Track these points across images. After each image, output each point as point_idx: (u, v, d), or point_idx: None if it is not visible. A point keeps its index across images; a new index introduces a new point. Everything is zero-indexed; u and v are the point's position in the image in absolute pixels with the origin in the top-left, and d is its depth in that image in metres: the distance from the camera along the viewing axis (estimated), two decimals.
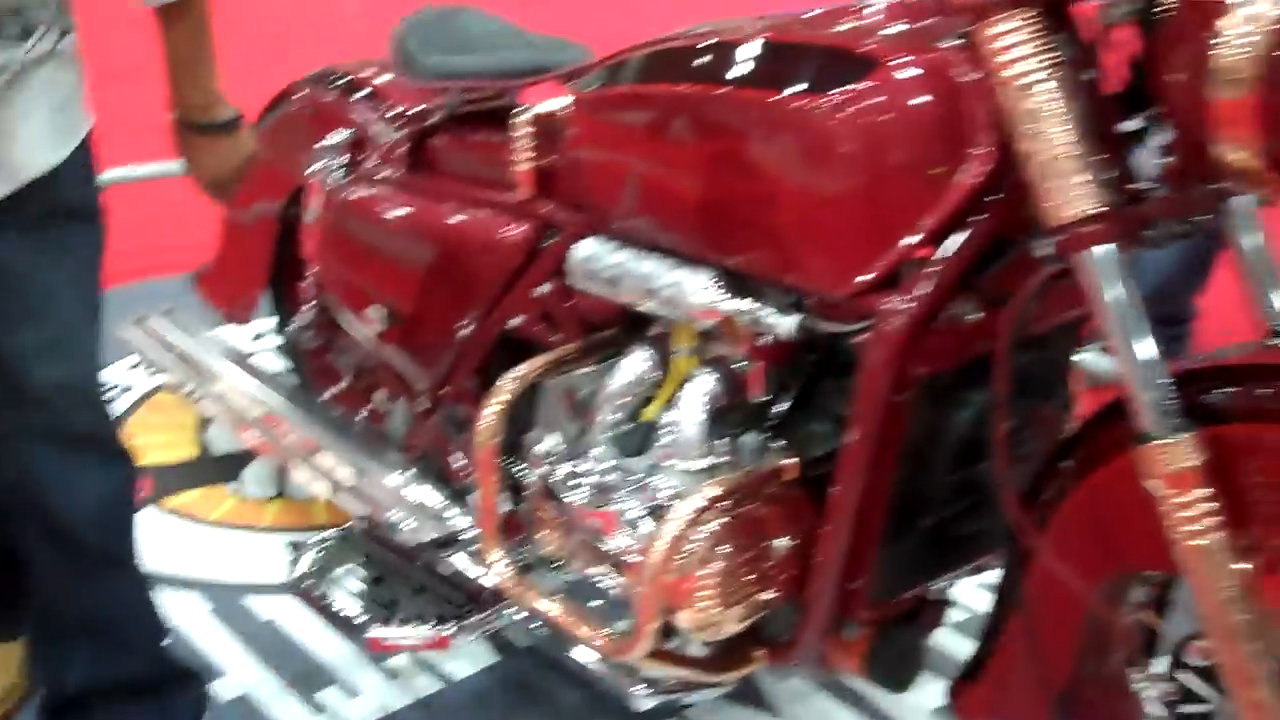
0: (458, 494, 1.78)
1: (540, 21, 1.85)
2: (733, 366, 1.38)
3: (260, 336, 2.72)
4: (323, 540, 1.63)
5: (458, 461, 1.75)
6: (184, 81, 1.47)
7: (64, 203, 1.39)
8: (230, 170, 1.55)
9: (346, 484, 1.86)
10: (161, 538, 2.12)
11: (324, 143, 1.83)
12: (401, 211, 1.71)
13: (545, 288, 1.57)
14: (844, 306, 1.28)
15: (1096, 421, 1.26)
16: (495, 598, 1.54)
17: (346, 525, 1.72)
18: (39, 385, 1.40)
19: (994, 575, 1.35)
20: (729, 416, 1.38)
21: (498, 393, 1.47)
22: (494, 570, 1.49)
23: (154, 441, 2.37)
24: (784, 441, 1.36)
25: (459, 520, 1.74)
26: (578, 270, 1.47)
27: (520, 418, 1.60)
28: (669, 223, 1.39)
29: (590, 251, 1.46)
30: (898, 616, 1.43)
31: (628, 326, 1.52)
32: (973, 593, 1.82)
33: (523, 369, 1.48)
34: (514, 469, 1.54)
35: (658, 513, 1.37)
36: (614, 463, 1.44)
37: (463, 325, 1.67)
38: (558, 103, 1.58)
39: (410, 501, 1.76)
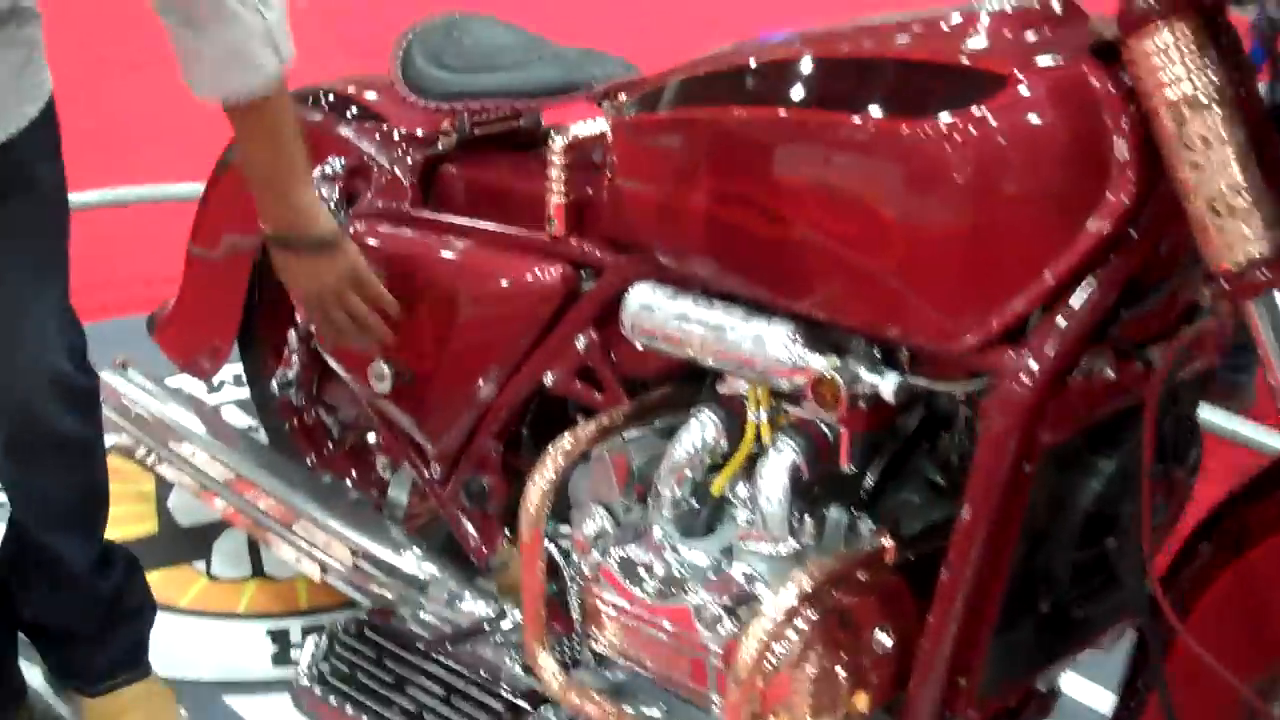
0: (466, 572, 1.66)
1: (567, 30, 1.72)
2: (817, 432, 1.27)
3: (219, 387, 2.54)
4: (331, 636, 1.47)
5: (476, 539, 1.62)
6: (265, 194, 1.42)
7: (25, 175, 1.34)
8: (328, 290, 1.48)
9: (342, 564, 1.71)
10: None
11: (314, 172, 1.66)
12: (410, 252, 1.59)
13: (584, 340, 1.46)
14: (956, 363, 1.19)
15: (1246, 494, 1.15)
16: (537, 699, 1.39)
17: (350, 614, 1.56)
18: None
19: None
20: (813, 490, 1.28)
21: (546, 465, 1.35)
22: (542, 671, 1.34)
23: (110, 514, 2.18)
24: (875, 518, 1.26)
25: (478, 606, 1.59)
26: (633, 321, 1.36)
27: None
28: (740, 266, 1.29)
29: (647, 299, 1.34)
30: (1005, 712, 1.32)
31: (683, 384, 1.42)
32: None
33: (573, 436, 1.35)
34: (555, 551, 1.40)
35: (739, 606, 1.24)
36: (679, 546, 1.32)
37: (485, 383, 1.56)
38: (595, 126, 1.48)
39: (423, 585, 1.62)
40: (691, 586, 1.27)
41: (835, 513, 1.28)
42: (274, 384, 1.93)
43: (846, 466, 1.26)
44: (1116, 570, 1.22)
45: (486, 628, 1.55)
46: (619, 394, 1.44)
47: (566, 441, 1.36)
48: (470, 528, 1.64)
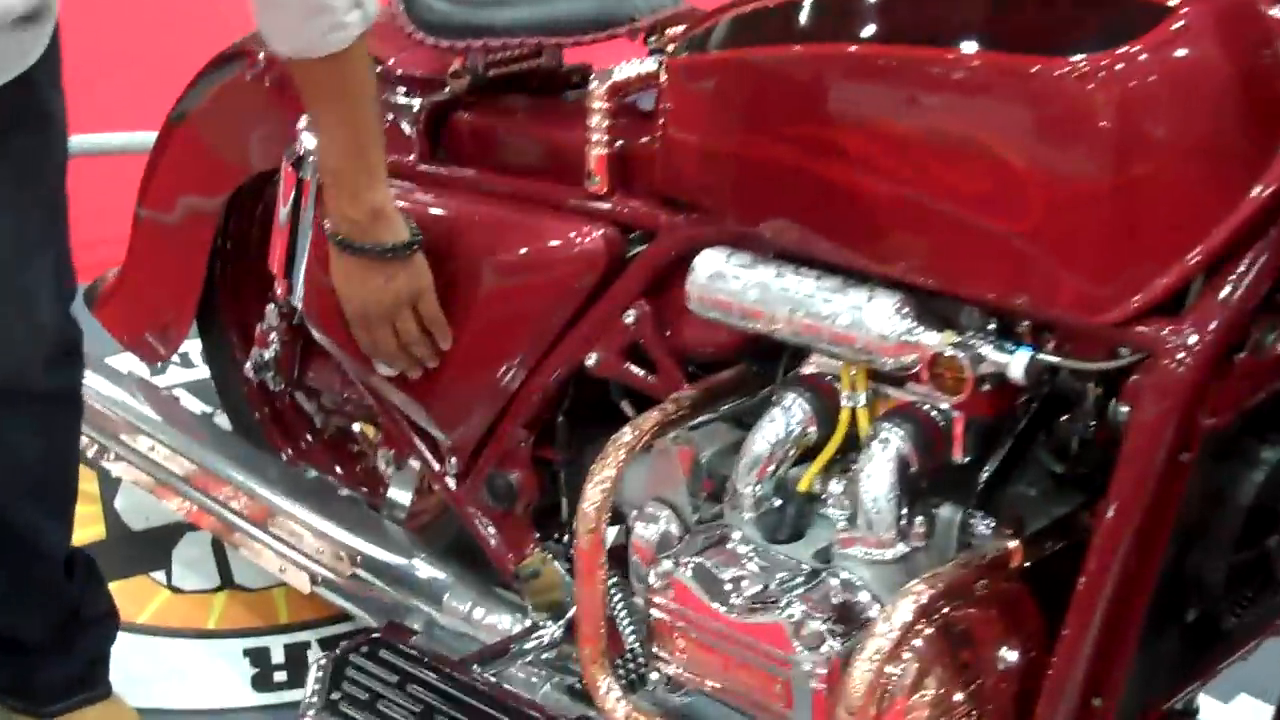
0: (482, 580, 1.55)
1: None
2: (926, 418, 1.15)
3: (161, 369, 2.35)
4: (342, 657, 1.32)
5: (501, 543, 1.51)
6: (335, 189, 1.35)
7: (40, 106, 1.31)
8: (386, 307, 1.39)
9: (337, 572, 1.55)
10: None
11: (303, 121, 1.53)
12: (418, 214, 1.44)
13: (634, 313, 1.34)
14: (1095, 338, 1.08)
15: None
16: None
17: (356, 630, 1.41)
18: None
19: None
20: (919, 485, 1.16)
21: (606, 461, 1.21)
22: (603, 696, 1.20)
23: None
24: (993, 518, 1.16)
25: (502, 619, 1.48)
26: (700, 293, 1.24)
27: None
28: (830, 229, 1.18)
29: (718, 267, 1.22)
30: None
31: (752, 364, 1.31)
32: None
33: (635, 427, 1.23)
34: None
35: (842, 621, 1.13)
36: (765, 551, 1.20)
37: (513, 364, 1.43)
38: (642, 66, 1.37)
39: (437, 596, 1.51)
40: (784, 599, 1.14)
41: (946, 510, 1.16)
42: (248, 367, 1.79)
43: (959, 457, 1.15)
44: (1278, 574, 1.11)
45: (520, 645, 1.41)
46: (675, 375, 1.32)
47: (628, 434, 1.23)
48: (493, 530, 1.51)
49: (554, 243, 1.37)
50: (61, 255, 1.42)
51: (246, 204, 1.83)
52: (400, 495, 1.64)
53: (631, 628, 1.30)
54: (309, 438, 1.90)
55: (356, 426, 1.83)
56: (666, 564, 1.21)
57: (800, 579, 1.16)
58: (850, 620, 1.13)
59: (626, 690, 1.27)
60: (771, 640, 1.15)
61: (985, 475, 1.16)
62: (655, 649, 1.24)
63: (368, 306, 1.39)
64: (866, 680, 1.06)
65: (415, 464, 1.59)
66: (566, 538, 1.47)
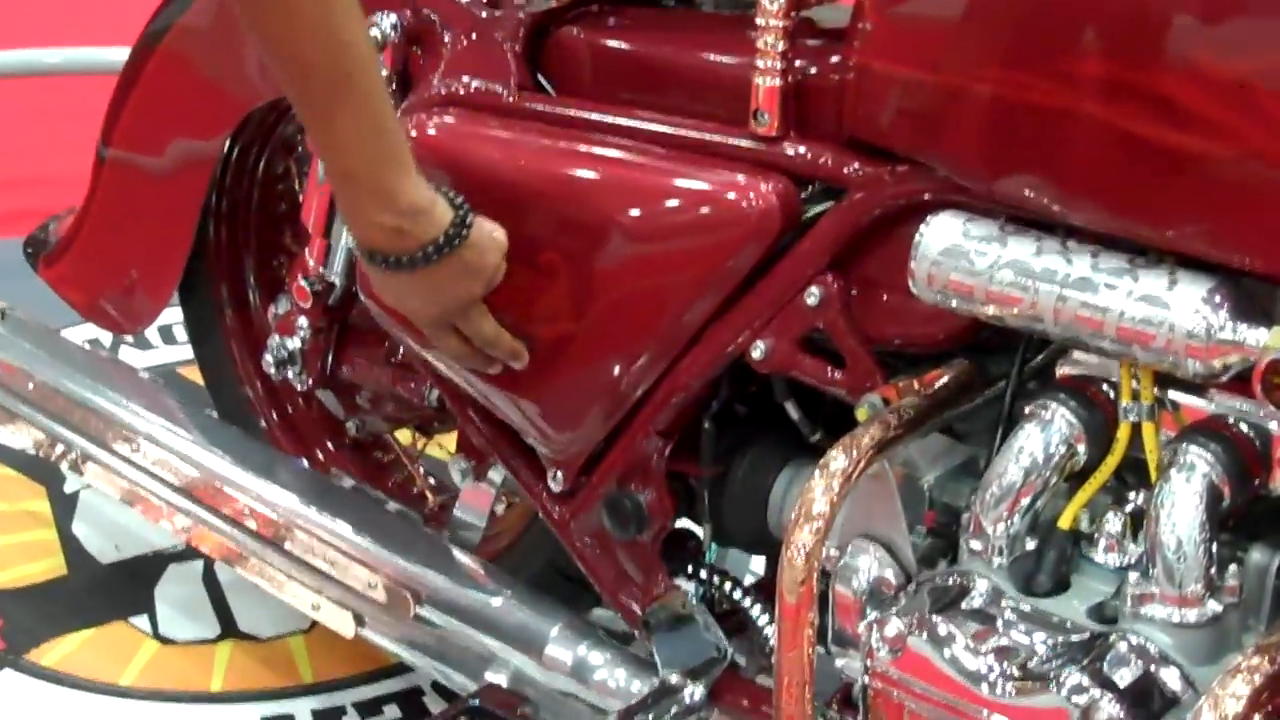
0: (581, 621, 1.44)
1: None
2: (1240, 438, 1.05)
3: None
4: None
5: (623, 580, 1.40)
6: (352, 192, 1.22)
7: None
8: (457, 306, 1.29)
9: (394, 611, 1.42)
10: None
11: None
12: (517, 161, 1.34)
13: (817, 291, 1.23)
14: None
15: None
16: None
17: (458, 701, 1.28)
18: None
19: None
20: (1227, 523, 1.07)
21: (814, 492, 1.11)
22: None
23: None
24: None
25: (617, 674, 1.38)
26: (930, 271, 1.14)
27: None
28: (1107, 190, 1.07)
29: (954, 239, 1.13)
30: None
31: (976, 360, 1.20)
32: None
33: (847, 451, 1.13)
34: None
35: (1143, 702, 1.03)
36: (1022, 609, 1.10)
37: (647, 356, 1.32)
38: None
39: (537, 645, 1.38)
40: (1063, 672, 1.04)
41: (1259, 555, 1.07)
42: (267, 360, 1.68)
43: (1271, 487, 1.05)
44: None
45: (649, 713, 1.29)
46: (870, 371, 1.23)
47: (840, 458, 1.11)
48: (612, 563, 1.40)
49: (706, 200, 1.26)
50: None
51: (252, 144, 1.71)
52: (471, 514, 1.51)
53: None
54: (328, 443, 1.80)
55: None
56: (896, 623, 1.10)
57: (1078, 646, 1.06)
58: (1151, 702, 1.03)
59: None
60: None
61: None
62: None
63: (446, 312, 1.29)
64: None
65: (495, 476, 1.46)
66: (704, 573, 1.35)
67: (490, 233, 1.29)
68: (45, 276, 1.88)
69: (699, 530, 1.42)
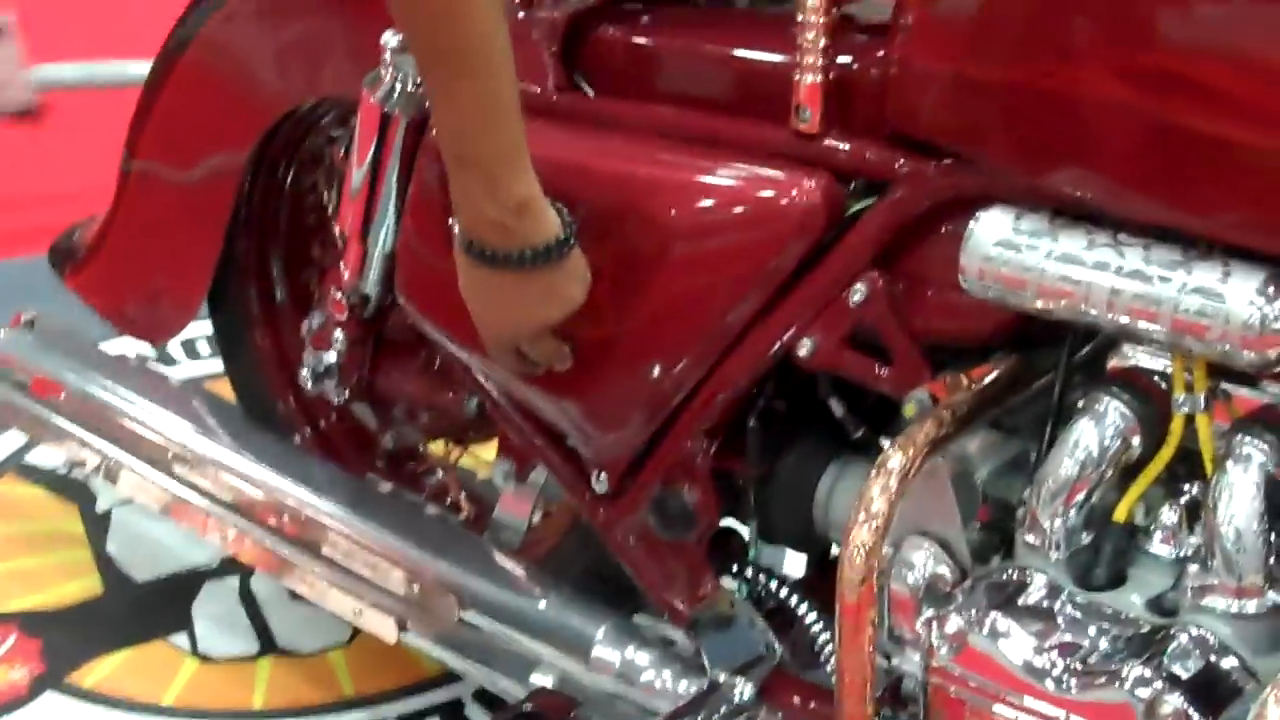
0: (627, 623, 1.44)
1: None
2: None
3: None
4: None
5: (670, 582, 1.40)
6: (464, 177, 1.21)
7: None
8: (535, 324, 1.28)
9: (440, 615, 1.42)
10: None
11: (388, 38, 1.43)
12: (558, 160, 1.32)
13: (863, 287, 1.23)
14: None
15: None
16: None
17: (509, 709, 1.28)
18: None
19: None
20: None
21: (873, 491, 1.12)
22: None
23: (19, 568, 1.90)
24: None
25: (664, 676, 1.37)
26: (982, 265, 1.14)
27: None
28: (1157, 181, 1.06)
29: (1004, 233, 1.14)
30: None
31: (1023, 355, 1.20)
32: None
33: (903, 449, 1.14)
34: None
35: (1207, 696, 1.03)
36: (1081, 603, 1.10)
37: (692, 355, 1.32)
38: None
39: (584, 648, 1.38)
40: (1125, 667, 1.04)
41: None
42: (304, 375, 1.67)
43: None
44: None
45: (699, 713, 1.29)
46: (919, 367, 1.23)
47: (896, 456, 1.12)
48: (657, 564, 1.40)
49: (749, 198, 1.26)
50: None
51: (279, 157, 1.72)
52: (512, 517, 1.51)
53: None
54: (361, 456, 1.80)
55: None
56: (956, 620, 1.10)
57: (1139, 639, 1.07)
58: (1215, 694, 1.03)
59: None
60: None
61: None
62: None
63: (520, 328, 1.28)
64: None
65: (538, 478, 1.46)
66: (749, 571, 1.36)
67: (584, 266, 1.28)
68: (71, 284, 1.88)
69: (741, 529, 1.43)
